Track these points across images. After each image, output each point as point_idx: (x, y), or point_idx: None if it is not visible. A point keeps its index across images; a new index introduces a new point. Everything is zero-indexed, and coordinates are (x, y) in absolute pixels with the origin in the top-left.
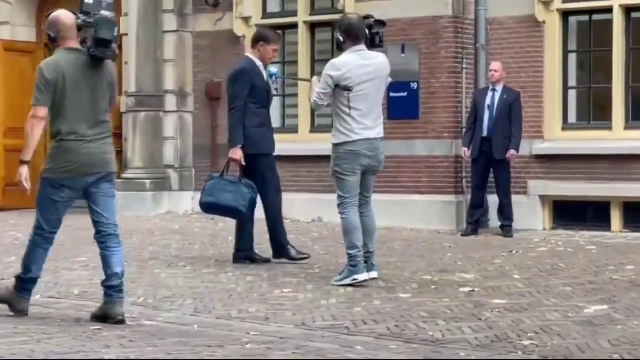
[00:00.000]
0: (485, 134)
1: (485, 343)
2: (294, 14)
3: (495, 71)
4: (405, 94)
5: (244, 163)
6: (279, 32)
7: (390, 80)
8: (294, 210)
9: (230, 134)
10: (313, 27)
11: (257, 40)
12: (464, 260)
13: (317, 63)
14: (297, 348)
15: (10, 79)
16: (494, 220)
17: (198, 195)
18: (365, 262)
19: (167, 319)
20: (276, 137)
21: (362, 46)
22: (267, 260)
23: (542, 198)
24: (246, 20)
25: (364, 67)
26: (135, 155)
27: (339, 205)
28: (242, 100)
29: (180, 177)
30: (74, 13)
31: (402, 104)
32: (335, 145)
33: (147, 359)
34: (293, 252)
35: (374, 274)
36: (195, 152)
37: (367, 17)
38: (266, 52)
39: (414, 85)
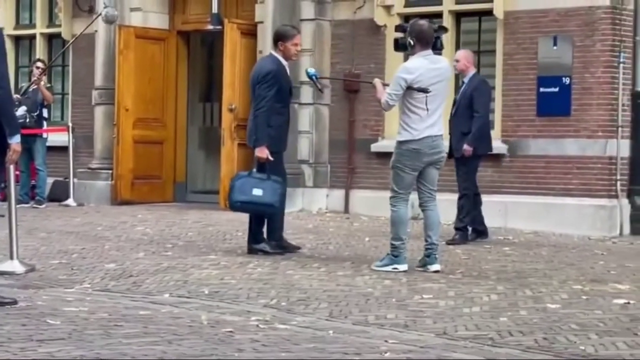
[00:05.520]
0: None
1: None
2: (439, 2)
3: None
4: (556, 89)
5: (271, 158)
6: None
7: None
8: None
9: (256, 134)
10: (459, 16)
11: (276, 40)
12: (618, 269)
13: None
14: (439, 358)
15: (141, 67)
16: None
17: (334, 192)
18: (428, 255)
19: (301, 322)
20: None
21: (430, 51)
22: (297, 248)
23: None
24: (387, 8)
25: (433, 70)
26: None
27: (391, 198)
28: (269, 102)
29: (315, 173)
30: None
31: (552, 100)
32: (400, 142)
33: None
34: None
35: (436, 267)
36: (331, 147)
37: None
38: (287, 50)
39: (566, 80)
